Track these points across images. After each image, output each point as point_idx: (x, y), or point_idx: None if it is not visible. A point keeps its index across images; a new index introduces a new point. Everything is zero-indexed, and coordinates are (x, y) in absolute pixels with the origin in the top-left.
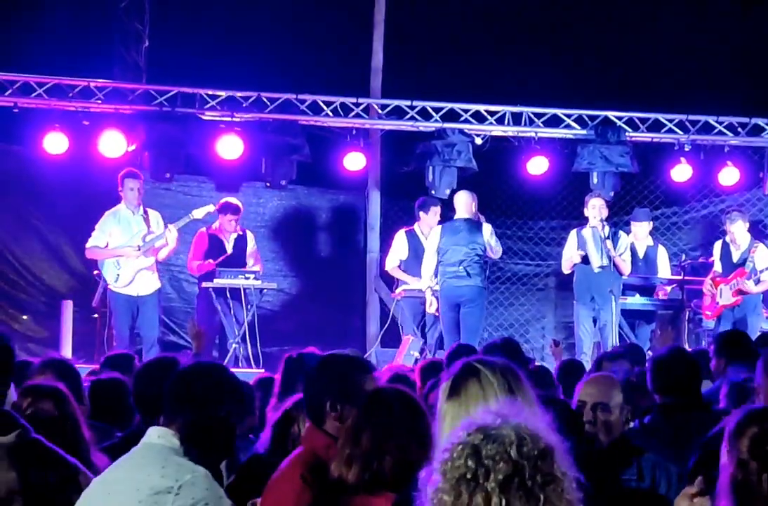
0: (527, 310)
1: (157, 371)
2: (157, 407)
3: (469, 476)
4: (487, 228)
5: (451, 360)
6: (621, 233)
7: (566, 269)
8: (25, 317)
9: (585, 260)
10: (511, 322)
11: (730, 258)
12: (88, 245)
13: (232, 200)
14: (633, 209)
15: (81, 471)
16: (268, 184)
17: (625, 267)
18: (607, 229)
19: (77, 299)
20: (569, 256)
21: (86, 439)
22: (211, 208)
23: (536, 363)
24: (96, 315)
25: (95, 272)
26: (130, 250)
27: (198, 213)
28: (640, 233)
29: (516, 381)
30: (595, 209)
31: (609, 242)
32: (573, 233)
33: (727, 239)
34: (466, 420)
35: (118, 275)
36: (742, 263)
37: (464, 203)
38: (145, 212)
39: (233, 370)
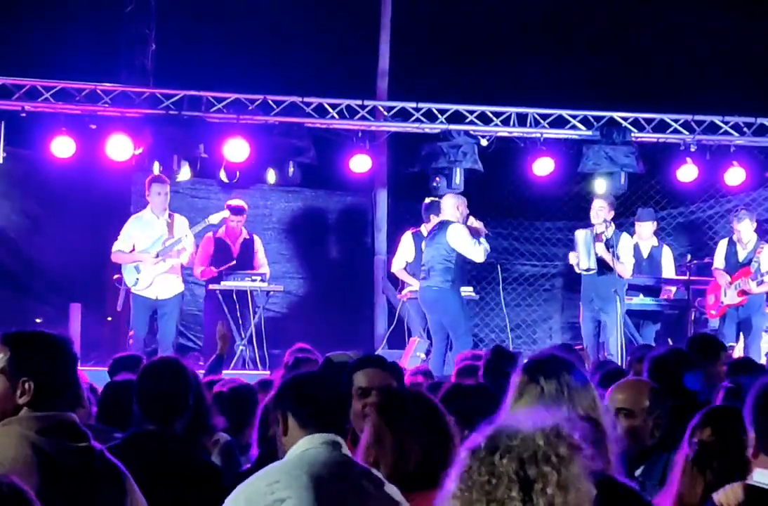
0: (534, 311)
1: (160, 370)
2: (157, 407)
3: (482, 483)
4: (453, 229)
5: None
6: (624, 235)
7: (578, 269)
8: (38, 320)
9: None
10: (518, 323)
11: (736, 257)
12: (113, 249)
13: (236, 201)
14: (639, 209)
15: None
16: (270, 183)
17: (624, 270)
18: (611, 230)
19: (88, 301)
20: (572, 257)
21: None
22: (226, 213)
23: None
24: (110, 318)
25: (115, 276)
26: (147, 256)
27: (214, 218)
28: (645, 233)
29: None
30: (594, 210)
31: (600, 245)
32: (578, 233)
33: (734, 237)
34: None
35: (137, 279)
36: (748, 262)
37: (446, 206)
38: (170, 216)
39: (240, 372)
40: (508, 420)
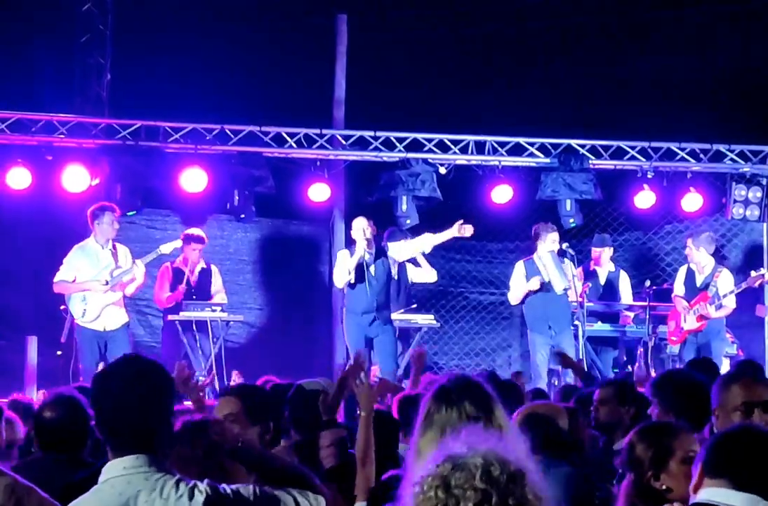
0: (493, 339)
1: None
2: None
3: None
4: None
5: None
6: (566, 260)
7: (516, 300)
8: None
9: (541, 287)
10: (477, 351)
11: (693, 282)
12: (55, 279)
13: (195, 230)
14: (595, 235)
15: None
16: (241, 216)
17: (572, 293)
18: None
19: (42, 334)
20: (520, 286)
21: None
22: (178, 243)
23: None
24: (59, 352)
25: (62, 307)
26: (96, 284)
27: (166, 248)
28: (602, 258)
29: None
30: (555, 243)
31: (568, 265)
32: (520, 264)
33: (692, 264)
34: (434, 451)
35: (84, 310)
36: (705, 287)
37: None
38: (114, 246)
39: None
40: (453, 450)
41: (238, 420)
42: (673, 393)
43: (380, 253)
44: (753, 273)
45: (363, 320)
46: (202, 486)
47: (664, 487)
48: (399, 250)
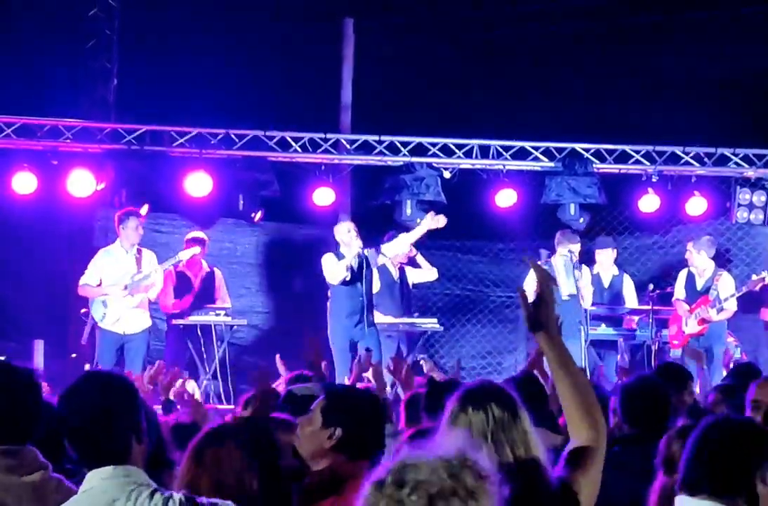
0: (500, 342)
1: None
2: None
3: None
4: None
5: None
6: (584, 266)
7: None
8: (2, 357)
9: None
10: (483, 354)
11: (694, 286)
12: (81, 282)
13: (195, 232)
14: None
15: None
16: (252, 215)
17: (587, 298)
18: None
19: (50, 338)
20: (530, 287)
21: None
22: (197, 250)
23: None
24: (74, 355)
25: (83, 310)
26: (115, 289)
27: (184, 255)
28: (605, 261)
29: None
30: (574, 254)
31: (578, 273)
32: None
33: (692, 268)
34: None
35: (104, 313)
36: (706, 291)
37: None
38: (139, 251)
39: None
40: (411, 451)
41: (313, 418)
42: (628, 401)
43: (363, 257)
44: (754, 277)
45: (349, 323)
46: (177, 496)
47: None
48: (387, 250)
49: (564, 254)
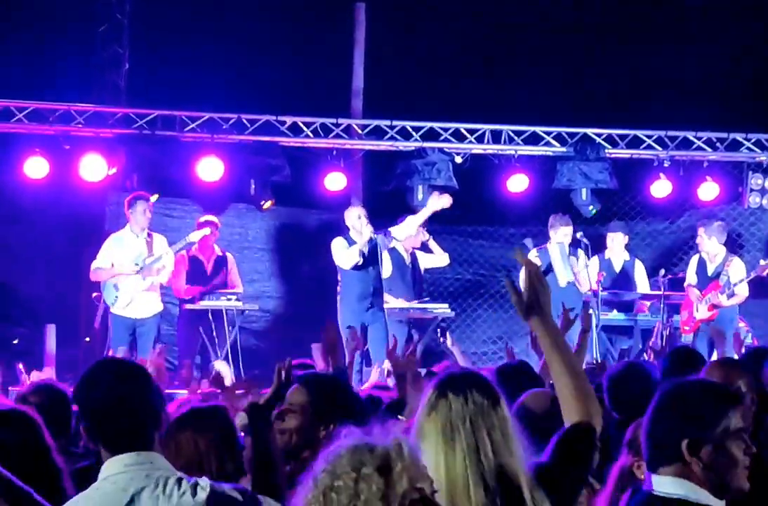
0: (510, 326)
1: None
2: None
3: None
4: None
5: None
6: (579, 251)
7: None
8: (15, 341)
9: (548, 276)
10: (494, 339)
11: (705, 272)
12: (92, 266)
13: (209, 216)
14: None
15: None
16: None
17: (584, 284)
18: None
19: (62, 322)
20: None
21: (56, 467)
22: (207, 231)
23: None
24: (88, 339)
25: (94, 294)
26: (128, 268)
27: (194, 236)
28: (616, 246)
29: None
30: (567, 236)
31: (573, 259)
32: (533, 252)
33: (703, 253)
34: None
35: (116, 297)
36: (716, 276)
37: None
38: (150, 235)
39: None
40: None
41: (302, 412)
42: (613, 387)
43: (373, 241)
44: (762, 262)
45: (359, 307)
46: (204, 483)
47: (643, 477)
48: (396, 233)
49: (559, 242)
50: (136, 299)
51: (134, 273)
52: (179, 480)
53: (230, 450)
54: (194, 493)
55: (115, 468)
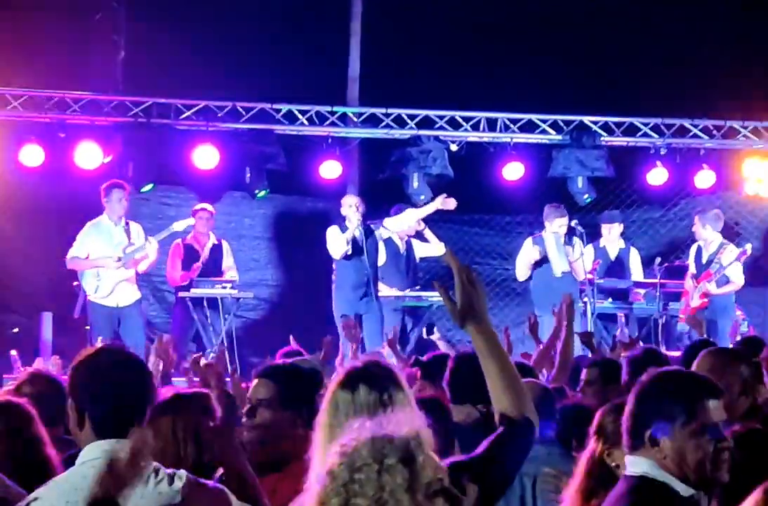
0: (506, 315)
1: None
2: None
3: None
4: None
5: None
6: (575, 239)
7: (522, 276)
8: (15, 330)
9: (541, 265)
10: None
11: (701, 260)
12: (68, 256)
13: (204, 204)
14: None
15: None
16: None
17: (580, 272)
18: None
19: (57, 311)
20: (526, 262)
21: (47, 457)
22: (191, 221)
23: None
24: (87, 327)
25: (75, 283)
26: (109, 261)
27: (179, 225)
28: (611, 235)
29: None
30: (562, 227)
31: (569, 248)
32: (528, 241)
33: (700, 242)
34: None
35: (97, 286)
36: (709, 264)
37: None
38: (127, 223)
39: None
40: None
41: (271, 405)
42: (635, 372)
43: (369, 230)
44: (747, 246)
45: (353, 296)
46: (181, 473)
47: (614, 464)
48: (391, 224)
49: (554, 231)
50: (118, 288)
51: (116, 267)
52: (157, 469)
53: (208, 437)
54: (171, 482)
55: (93, 454)
